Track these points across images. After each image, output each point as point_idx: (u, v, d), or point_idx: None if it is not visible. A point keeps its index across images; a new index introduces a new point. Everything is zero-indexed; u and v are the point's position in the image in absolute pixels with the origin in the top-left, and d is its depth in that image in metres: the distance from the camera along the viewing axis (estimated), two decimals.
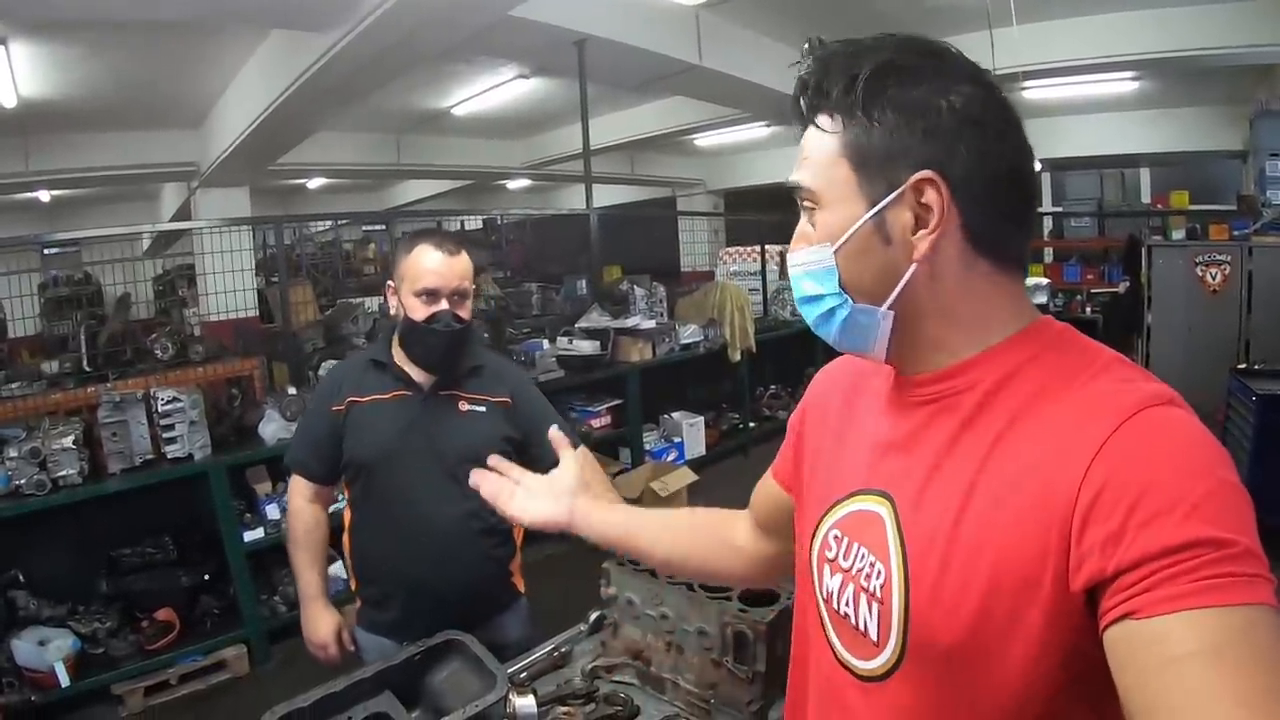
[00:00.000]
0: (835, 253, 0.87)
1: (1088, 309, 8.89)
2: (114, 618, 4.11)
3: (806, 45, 0.89)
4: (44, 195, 9.94)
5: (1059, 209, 10.38)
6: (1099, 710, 0.73)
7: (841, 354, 1.07)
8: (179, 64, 5.94)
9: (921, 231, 0.82)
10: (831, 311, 0.89)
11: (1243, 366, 5.58)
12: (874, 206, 0.83)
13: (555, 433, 1.52)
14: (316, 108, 5.82)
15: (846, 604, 0.92)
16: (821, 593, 0.97)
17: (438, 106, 8.25)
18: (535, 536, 2.19)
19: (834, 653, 0.95)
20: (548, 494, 1.36)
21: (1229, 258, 7.81)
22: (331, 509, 2.41)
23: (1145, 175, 10.19)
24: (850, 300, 0.87)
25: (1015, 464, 0.77)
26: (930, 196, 0.81)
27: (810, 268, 0.90)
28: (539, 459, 2.21)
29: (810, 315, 0.92)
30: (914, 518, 0.85)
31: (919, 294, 0.85)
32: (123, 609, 4.17)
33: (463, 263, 2.15)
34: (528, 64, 6.73)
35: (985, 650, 0.76)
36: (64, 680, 3.77)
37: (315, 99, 5.46)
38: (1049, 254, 10.30)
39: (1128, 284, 8.64)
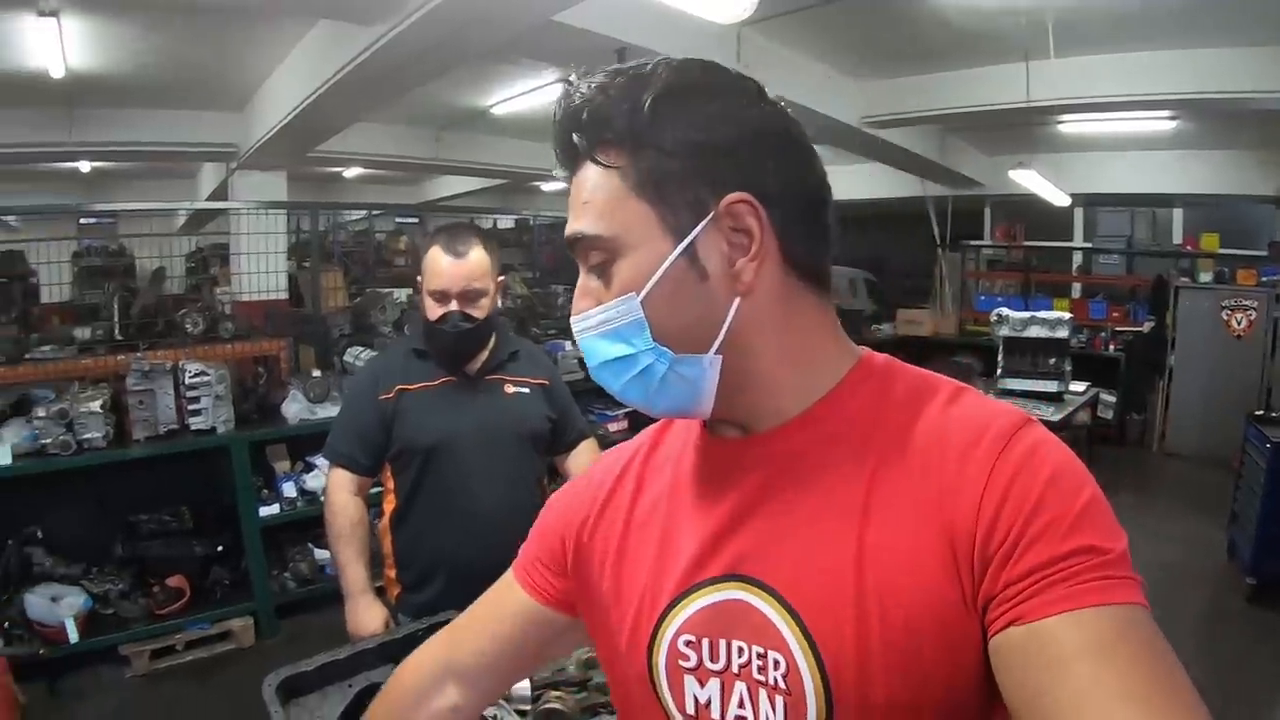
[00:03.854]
0: (642, 302, 0.76)
1: (1111, 346, 8.83)
2: (126, 580, 4.21)
3: (567, 81, 0.81)
4: (84, 166, 10.07)
5: (1089, 245, 10.32)
6: None
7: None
8: (226, 47, 6.00)
9: (741, 259, 0.75)
10: (646, 370, 0.78)
11: (1260, 413, 5.53)
12: (683, 239, 0.75)
13: None
14: (358, 99, 5.87)
15: (739, 705, 0.79)
16: (685, 709, 0.83)
17: (478, 105, 8.28)
18: None
19: None
20: None
21: (1256, 303, 7.79)
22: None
23: (1177, 216, 10.11)
24: (670, 353, 0.77)
25: (900, 509, 0.73)
26: (747, 219, 0.75)
27: (611, 325, 0.78)
28: (564, 434, 2.47)
29: (617, 381, 0.80)
30: (803, 594, 0.76)
31: (744, 331, 0.77)
32: (135, 573, 4.27)
33: (471, 264, 2.19)
34: (568, 69, 6.77)
35: (928, 703, 0.71)
36: (73, 636, 3.88)
37: (357, 91, 5.51)
38: (1076, 289, 10.24)
39: (1153, 324, 8.62)
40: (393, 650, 1.92)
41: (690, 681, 0.82)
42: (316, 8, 4.95)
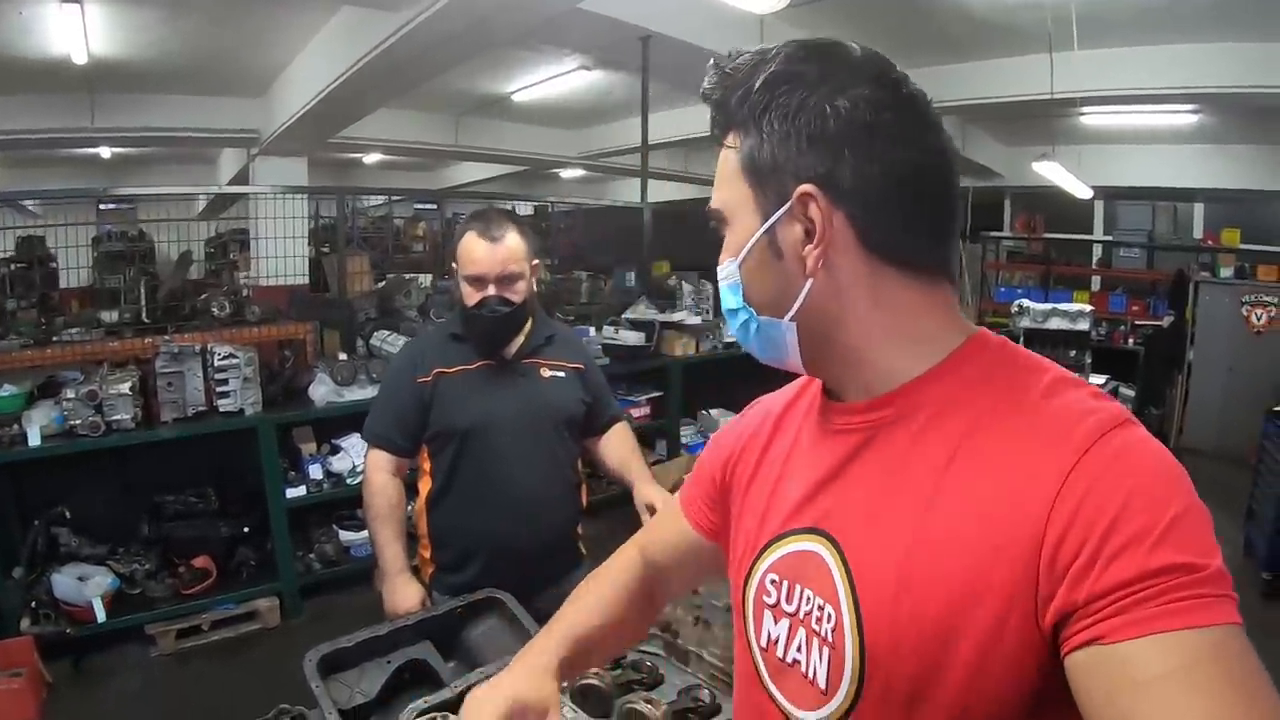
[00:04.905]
0: (739, 267, 0.86)
1: (1130, 340, 8.80)
2: (153, 561, 4.24)
3: (712, 61, 0.86)
4: (105, 152, 10.16)
5: (1109, 238, 10.26)
6: None
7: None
8: (248, 33, 6.04)
9: (808, 246, 0.80)
10: (745, 323, 0.88)
11: (1279, 409, 5.50)
12: (766, 221, 0.82)
13: None
14: (380, 86, 5.89)
15: (798, 650, 0.86)
16: (760, 641, 0.92)
17: (499, 91, 8.31)
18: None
19: (774, 703, 0.90)
20: None
21: (1276, 299, 7.74)
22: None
23: (1198, 210, 10.02)
24: (755, 314, 0.86)
25: (969, 496, 0.74)
26: (810, 210, 0.78)
27: (726, 281, 0.89)
28: (598, 418, 2.48)
29: (732, 327, 0.91)
30: (861, 556, 0.80)
31: (826, 308, 0.82)
32: (162, 553, 4.31)
33: (507, 248, 2.20)
34: (591, 56, 6.78)
35: (951, 689, 0.72)
36: (100, 616, 3.92)
37: (380, 77, 5.53)
38: (1096, 282, 10.18)
39: (1172, 319, 8.57)
40: (430, 628, 1.96)
41: (768, 616, 0.91)
42: None
